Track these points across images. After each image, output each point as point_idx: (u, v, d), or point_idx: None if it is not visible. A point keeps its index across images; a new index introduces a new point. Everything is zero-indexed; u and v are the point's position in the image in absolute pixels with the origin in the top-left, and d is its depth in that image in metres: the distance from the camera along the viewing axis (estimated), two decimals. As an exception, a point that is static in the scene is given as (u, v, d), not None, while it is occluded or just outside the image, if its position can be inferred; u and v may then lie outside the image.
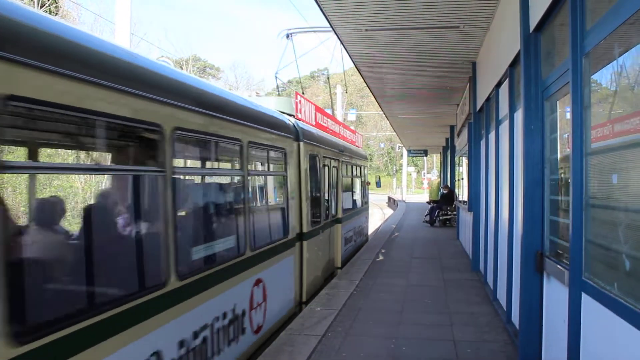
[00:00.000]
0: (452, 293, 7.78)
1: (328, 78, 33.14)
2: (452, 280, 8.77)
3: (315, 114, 9.55)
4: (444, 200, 18.92)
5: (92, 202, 3.99)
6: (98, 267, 3.29)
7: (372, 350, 5.25)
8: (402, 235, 16.14)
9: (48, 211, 3.60)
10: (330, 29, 7.67)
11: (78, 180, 17.54)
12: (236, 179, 5.63)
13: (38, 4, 21.39)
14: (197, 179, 5.32)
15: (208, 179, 5.52)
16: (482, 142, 8.85)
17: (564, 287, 3.52)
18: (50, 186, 14.62)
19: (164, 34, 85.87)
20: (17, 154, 4.82)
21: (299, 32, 13.21)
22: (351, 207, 12.66)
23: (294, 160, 7.40)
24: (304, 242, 7.65)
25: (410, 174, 60.01)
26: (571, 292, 3.28)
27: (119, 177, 4.00)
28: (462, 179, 14.31)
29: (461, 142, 12.96)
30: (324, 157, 9.23)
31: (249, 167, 5.64)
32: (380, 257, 11.31)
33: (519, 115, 5.08)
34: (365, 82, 11.61)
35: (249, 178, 5.62)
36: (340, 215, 10.72)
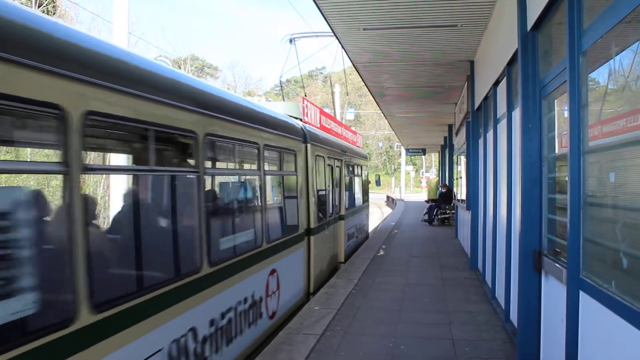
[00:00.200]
0: (451, 292, 7.79)
1: (330, 81, 33.26)
2: (451, 279, 8.78)
3: (320, 117, 10.19)
4: (442, 199, 18.94)
5: (140, 201, 4.28)
6: (151, 254, 3.89)
7: (371, 349, 5.25)
8: (400, 234, 16.16)
9: (125, 208, 4.19)
10: (331, 31, 7.69)
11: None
12: (254, 178, 6.16)
13: (35, 3, 21.32)
14: (223, 179, 5.94)
15: (231, 178, 6.14)
16: (480, 141, 8.85)
17: (562, 286, 3.53)
18: (48, 186, 14.61)
19: (162, 33, 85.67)
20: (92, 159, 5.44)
21: (301, 37, 14.06)
22: (353, 205, 13.13)
23: (303, 160, 7.98)
24: (312, 237, 8.18)
25: (409, 173, 59.99)
26: (569, 291, 3.29)
27: (164, 177, 4.36)
28: (461, 177, 14.32)
29: (459, 140, 12.97)
30: (328, 157, 9.81)
31: (265, 168, 6.19)
32: (379, 256, 11.32)
33: (516, 114, 5.09)
34: (363, 81, 11.61)
35: (264, 177, 6.19)
36: (343, 212, 11.25)
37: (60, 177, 2.83)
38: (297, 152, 7.67)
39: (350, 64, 10.14)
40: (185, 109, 4.11)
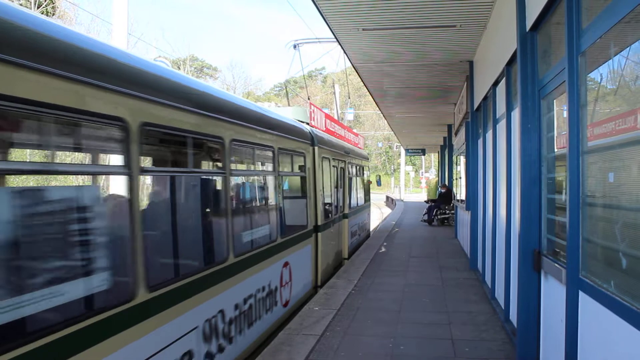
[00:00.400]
0: (450, 292, 7.79)
1: (333, 83, 33.27)
2: (450, 279, 8.78)
3: (325, 120, 10.83)
4: (442, 200, 18.93)
5: (180, 199, 4.77)
6: (188, 245, 4.49)
7: (371, 350, 5.25)
8: (400, 234, 16.16)
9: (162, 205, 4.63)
10: (330, 31, 7.69)
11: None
12: (270, 178, 6.68)
13: (35, 4, 21.30)
14: (244, 179, 6.41)
15: (250, 179, 6.64)
16: (480, 141, 8.86)
17: (561, 286, 3.53)
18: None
19: (161, 34, 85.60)
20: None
21: (305, 43, 15.07)
22: (356, 204, 13.58)
23: (311, 162, 8.56)
24: (319, 234, 8.75)
25: (408, 173, 60.01)
26: (568, 291, 3.29)
27: (199, 178, 4.87)
28: (460, 177, 14.32)
29: (459, 141, 12.97)
30: (333, 158, 10.40)
31: (279, 169, 6.76)
32: (378, 256, 11.32)
33: (516, 114, 5.09)
34: (362, 81, 11.62)
35: (279, 178, 6.78)
36: (347, 211, 11.81)
37: (123, 177, 3.32)
38: (306, 154, 8.25)
39: (350, 64, 10.17)
40: (215, 118, 4.72)
